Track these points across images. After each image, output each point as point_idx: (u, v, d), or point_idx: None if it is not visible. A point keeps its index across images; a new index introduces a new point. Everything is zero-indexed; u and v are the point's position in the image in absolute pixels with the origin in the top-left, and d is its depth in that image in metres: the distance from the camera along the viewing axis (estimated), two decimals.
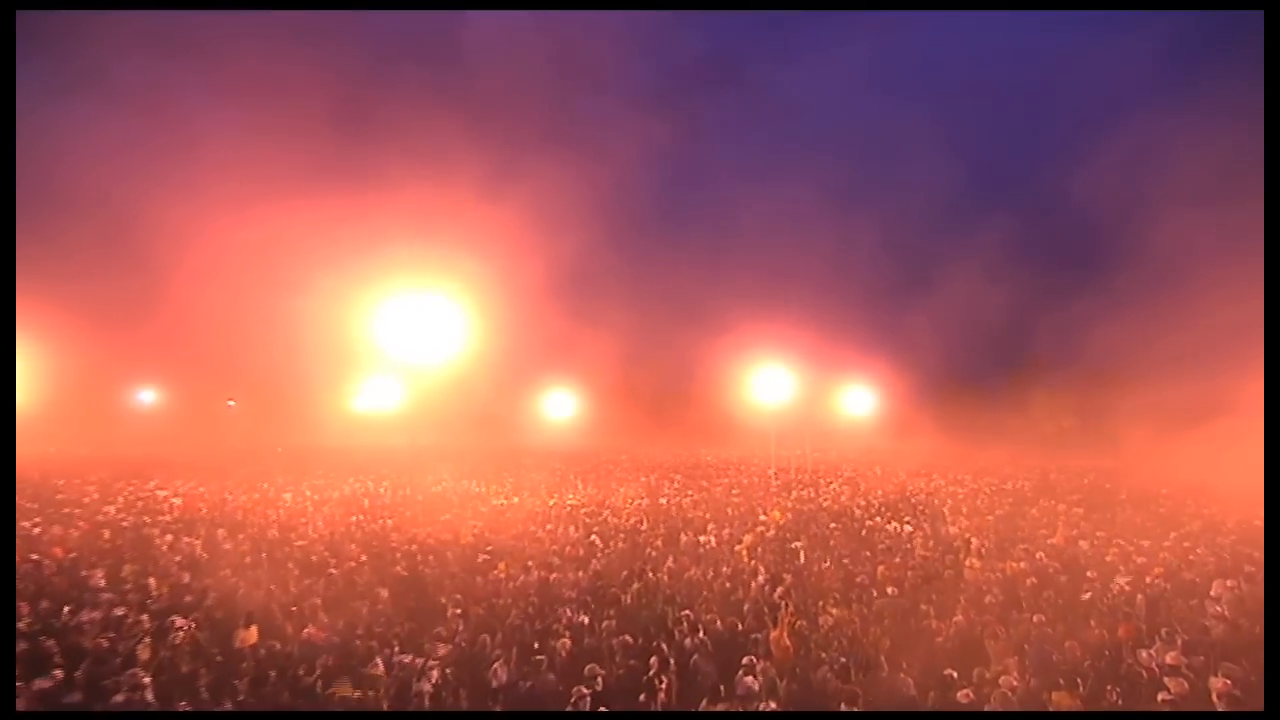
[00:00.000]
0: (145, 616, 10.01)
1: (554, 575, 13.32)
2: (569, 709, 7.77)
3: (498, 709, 8.21)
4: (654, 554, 16.22)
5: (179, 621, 9.46)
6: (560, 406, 49.85)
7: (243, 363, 47.47)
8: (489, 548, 15.45)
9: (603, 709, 7.78)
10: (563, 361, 47.69)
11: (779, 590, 12.28)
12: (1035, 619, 10.71)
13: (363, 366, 37.46)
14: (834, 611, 11.35)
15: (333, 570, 13.01)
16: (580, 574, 13.58)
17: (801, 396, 36.33)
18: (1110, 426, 40.45)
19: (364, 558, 14.31)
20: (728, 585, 12.88)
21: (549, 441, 45.90)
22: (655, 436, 53.77)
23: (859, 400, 46.12)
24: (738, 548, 16.25)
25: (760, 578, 13.10)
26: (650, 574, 13.65)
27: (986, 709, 7.92)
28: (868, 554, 15.65)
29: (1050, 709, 8.12)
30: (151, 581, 12.03)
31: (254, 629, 9.73)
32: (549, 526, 19.07)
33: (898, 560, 14.88)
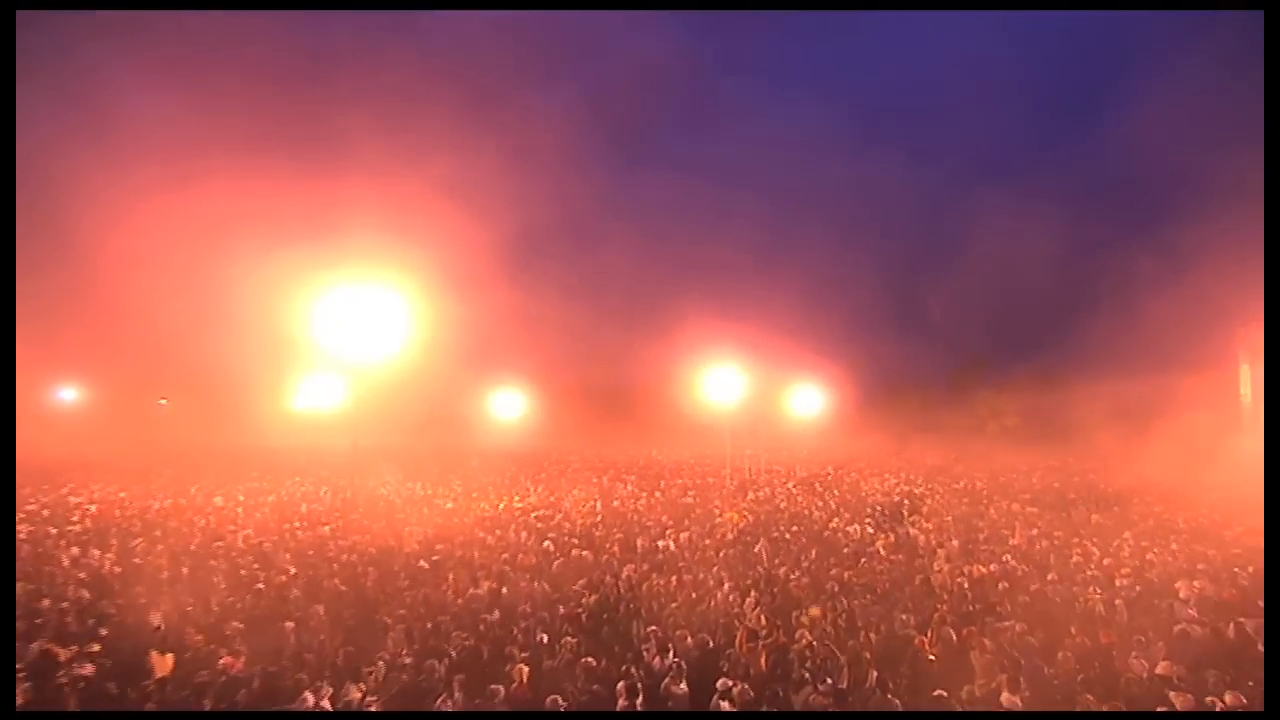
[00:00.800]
0: (33, 646, 8.56)
1: (506, 588, 12.21)
2: None
3: None
4: (612, 561, 15.31)
5: (61, 654, 8.07)
6: (509, 405, 48.40)
7: (176, 359, 44.83)
8: (435, 556, 14.27)
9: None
10: (512, 360, 46.42)
11: (748, 600, 11.46)
12: (1017, 627, 10.13)
13: (304, 363, 35.47)
14: (808, 622, 10.59)
15: (261, 585, 11.63)
16: (535, 585, 12.50)
17: (752, 396, 35.78)
18: (1052, 425, 41.16)
19: (296, 570, 12.95)
20: (693, 595, 11.99)
21: (498, 441, 44.32)
22: (606, 436, 52.69)
23: (809, 400, 45.90)
24: (698, 554, 15.39)
25: (726, 586, 12.24)
26: (610, 583, 12.71)
27: None
28: (833, 559, 14.99)
29: None
30: (45, 603, 10.51)
31: (169, 658, 8.43)
32: (499, 532, 17.90)
33: (862, 563, 14.21)
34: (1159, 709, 7.71)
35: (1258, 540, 16.80)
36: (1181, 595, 12.04)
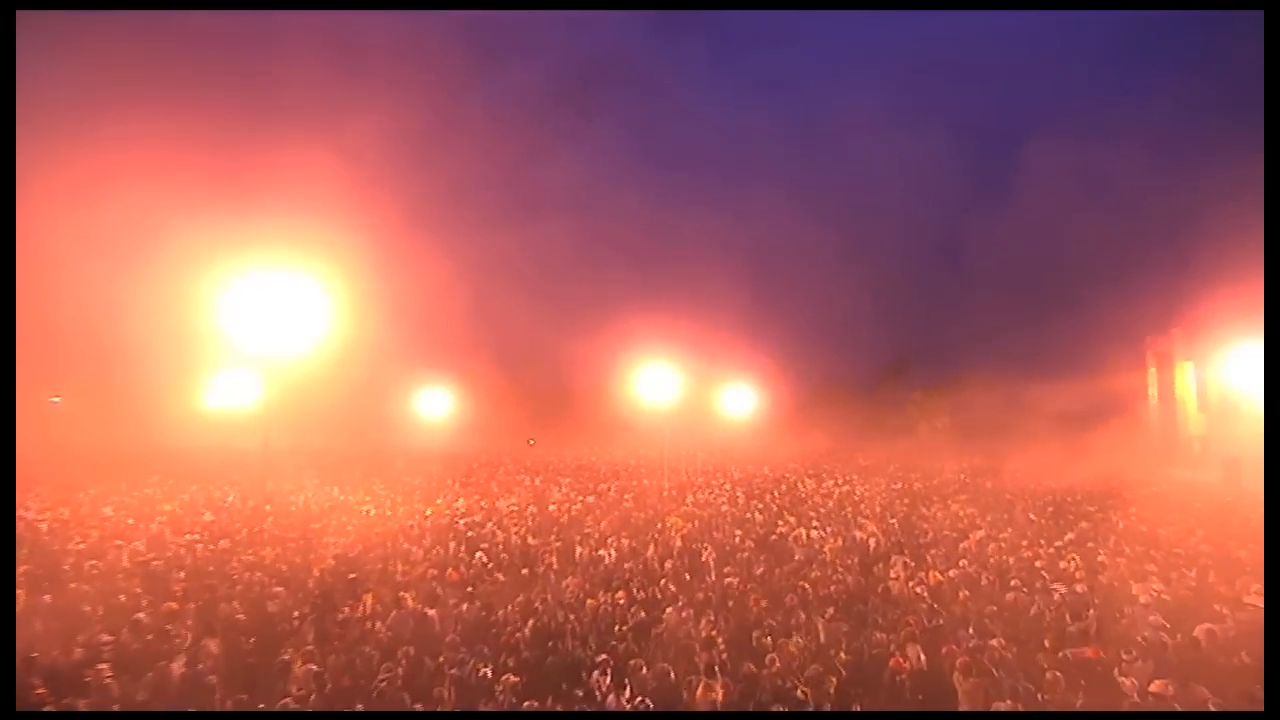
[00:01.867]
0: None
1: (434, 610, 10.74)
2: None
3: None
4: (550, 574, 13.99)
5: None
6: (436, 404, 46.12)
7: (72, 353, 40.94)
8: (353, 573, 12.63)
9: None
10: (439, 356, 44.25)
11: (704, 621, 10.34)
12: (995, 642, 9.33)
13: (215, 357, 32.56)
14: (771, 644, 9.58)
15: (142, 615, 9.78)
16: (466, 606, 11.06)
17: (685, 396, 34.89)
18: (978, 426, 41.84)
19: (188, 595, 11.07)
20: (643, 615, 10.79)
21: (425, 442, 42.05)
22: (538, 437, 51.06)
23: (740, 400, 45.40)
24: (643, 565, 14.21)
25: (680, 604, 11.08)
26: (551, 603, 11.39)
27: None
28: (785, 568, 14.06)
29: None
30: None
31: None
32: (426, 542, 16.32)
33: (816, 574, 13.31)
34: None
35: (1190, 539, 16.93)
36: (1141, 600, 11.60)
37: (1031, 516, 19.67)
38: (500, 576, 13.56)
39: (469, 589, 12.44)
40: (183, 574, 12.50)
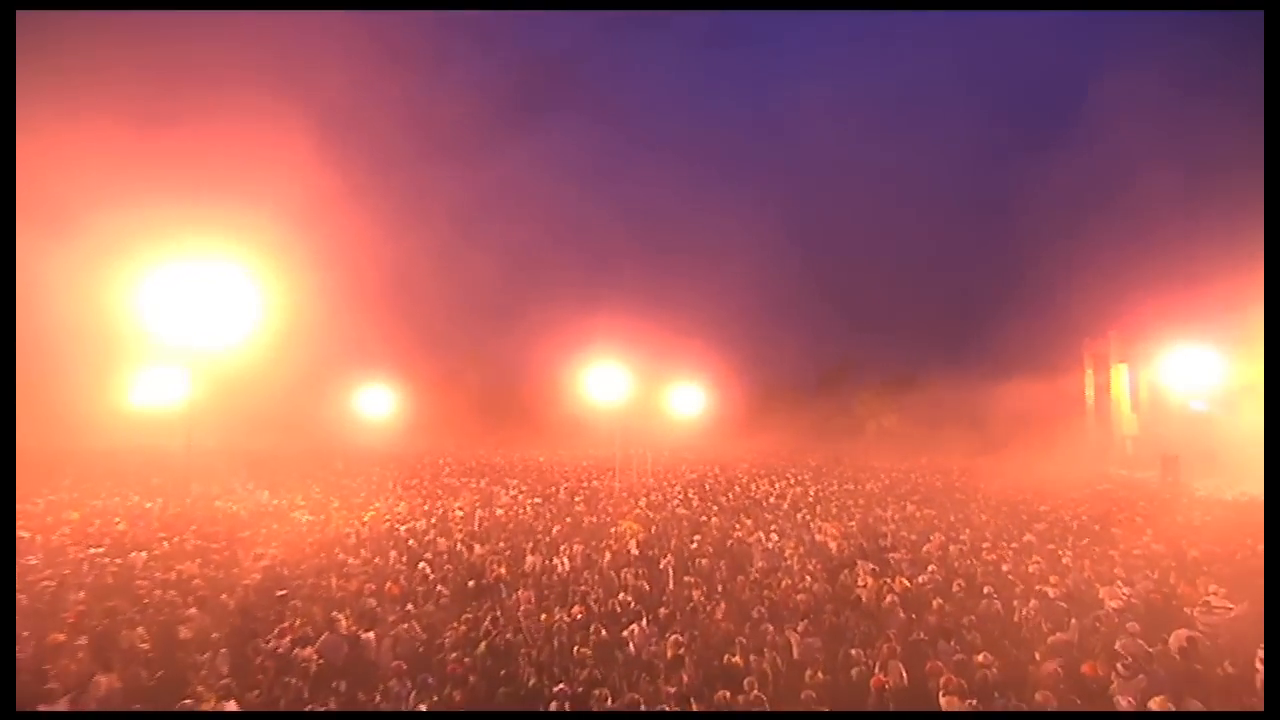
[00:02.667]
0: None
1: (370, 632, 9.57)
2: None
3: None
4: (500, 586, 12.92)
5: None
6: (378, 403, 44.17)
7: None
8: (282, 590, 11.33)
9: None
10: (381, 353, 42.38)
11: (671, 638, 9.44)
12: (980, 658, 8.69)
13: (136, 352, 30.14)
14: (743, 663, 8.77)
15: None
16: (406, 627, 9.93)
17: (633, 395, 34.05)
18: (925, 426, 42.15)
19: (81, 620, 9.60)
20: (603, 634, 9.84)
21: (366, 442, 40.11)
22: (483, 437, 49.45)
23: (688, 400, 44.77)
24: (599, 575, 13.24)
25: (644, 621, 10.16)
26: (502, 622, 10.34)
27: None
28: (747, 576, 13.28)
29: None
30: None
31: None
32: (364, 552, 15.03)
33: (785, 583, 12.57)
34: None
35: (1143, 539, 16.84)
36: (1113, 605, 11.22)
37: (984, 517, 19.43)
38: (444, 590, 12.42)
39: (409, 606, 11.30)
40: (81, 594, 11.02)
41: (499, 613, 10.78)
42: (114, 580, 11.91)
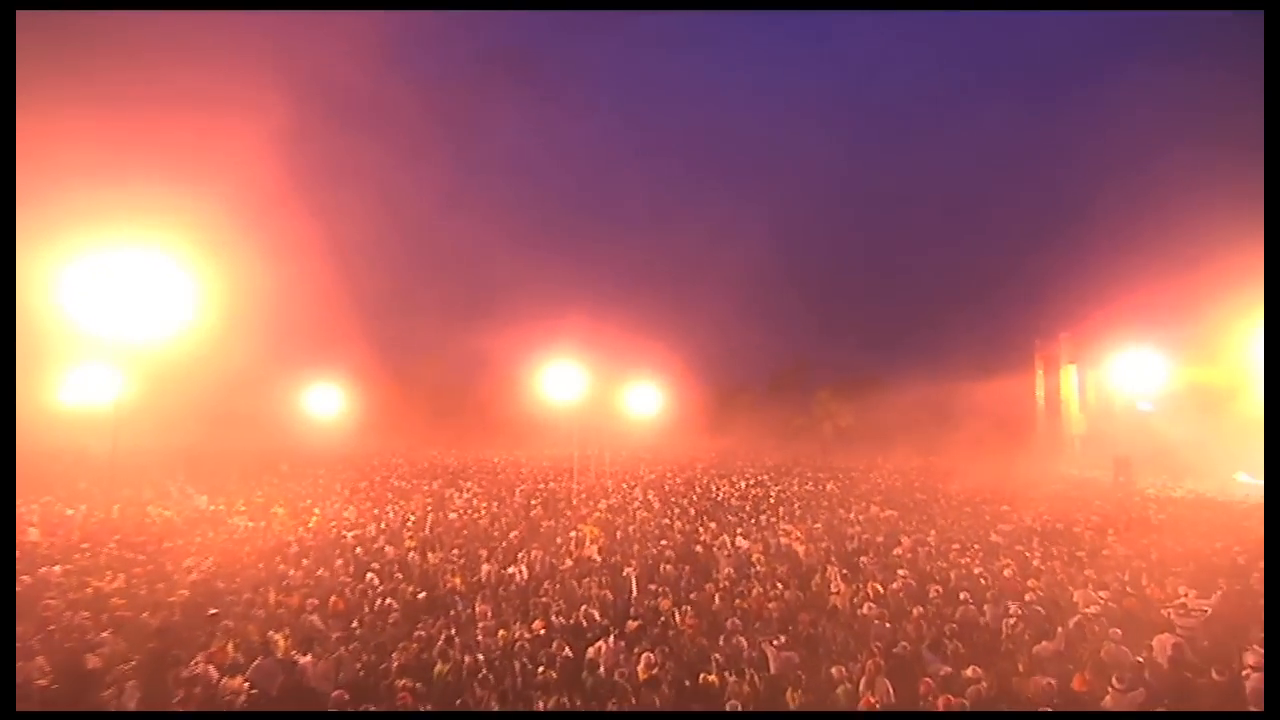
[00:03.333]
0: None
1: (309, 657, 8.58)
2: None
3: None
4: (455, 598, 12.01)
5: None
6: (327, 402, 42.38)
7: None
8: (213, 608, 10.22)
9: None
10: (331, 351, 40.63)
11: (643, 657, 8.68)
12: (970, 671, 8.15)
13: (63, 347, 28.00)
14: (719, 681, 8.09)
15: None
16: (348, 650, 8.97)
17: (591, 395, 33.24)
18: (882, 426, 42.18)
19: None
20: (568, 654, 9.03)
21: (312, 443, 38.26)
22: (436, 437, 47.90)
23: (645, 399, 44.11)
24: (560, 585, 12.39)
25: (612, 638, 9.38)
26: (458, 643, 9.44)
27: None
28: (715, 584, 12.62)
29: None
30: None
31: None
32: (306, 562, 13.92)
33: (756, 591, 11.93)
34: None
35: (1106, 539, 16.76)
36: (1091, 610, 10.87)
37: (947, 518, 19.18)
38: (394, 604, 11.45)
39: (355, 623, 10.32)
40: None
41: (453, 630, 9.88)
42: (19, 601, 10.62)
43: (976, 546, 15.30)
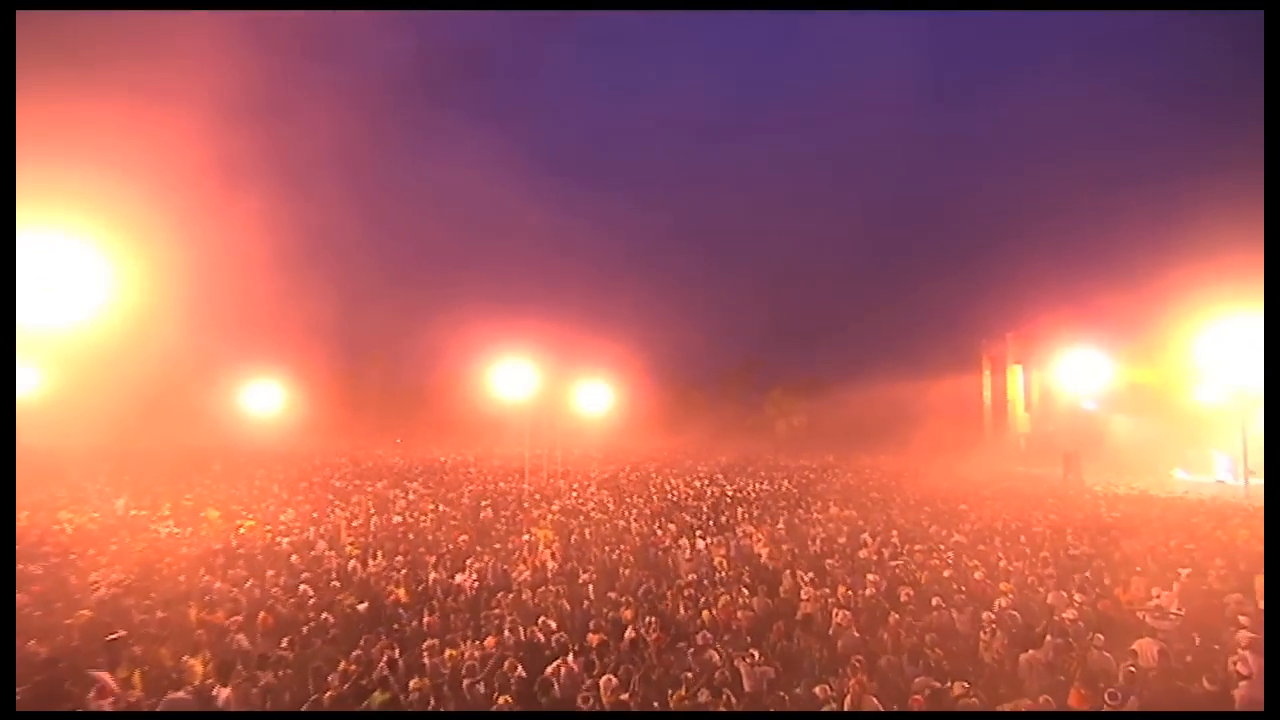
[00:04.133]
0: None
1: (228, 690, 7.48)
2: None
3: None
4: (398, 611, 10.99)
5: None
6: (265, 399, 40.13)
7: None
8: (116, 631, 8.95)
9: None
10: (270, 346, 38.53)
11: (605, 681, 7.84)
12: (958, 687, 7.55)
13: None
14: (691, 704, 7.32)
15: None
16: (276, 677, 7.90)
17: (541, 392, 32.23)
18: (835, 425, 42.20)
19: None
20: (522, 674, 8.13)
21: (249, 442, 36.19)
22: (381, 436, 46.13)
23: (596, 397, 43.14)
24: (513, 596, 11.42)
25: (571, 659, 8.49)
26: (400, 668, 8.45)
27: None
28: (677, 590, 11.85)
29: None
30: None
31: None
32: (235, 572, 12.65)
33: (724, 600, 11.19)
34: None
35: (1064, 538, 16.57)
36: (1066, 614, 10.45)
37: (908, 518, 18.81)
38: (330, 618, 10.36)
39: (285, 643, 9.19)
40: None
41: (396, 650, 8.87)
42: None
43: (943, 548, 14.89)
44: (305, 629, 9.85)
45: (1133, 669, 8.09)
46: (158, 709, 7.01)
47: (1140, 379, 32.06)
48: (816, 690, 7.56)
